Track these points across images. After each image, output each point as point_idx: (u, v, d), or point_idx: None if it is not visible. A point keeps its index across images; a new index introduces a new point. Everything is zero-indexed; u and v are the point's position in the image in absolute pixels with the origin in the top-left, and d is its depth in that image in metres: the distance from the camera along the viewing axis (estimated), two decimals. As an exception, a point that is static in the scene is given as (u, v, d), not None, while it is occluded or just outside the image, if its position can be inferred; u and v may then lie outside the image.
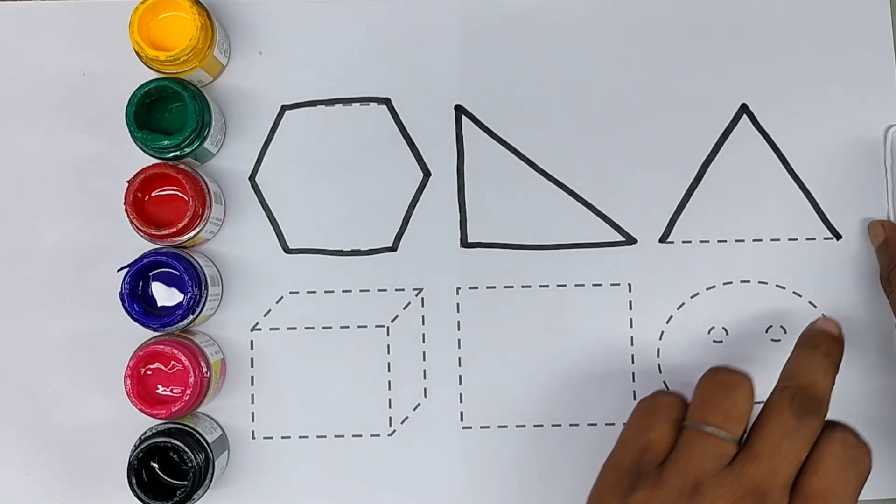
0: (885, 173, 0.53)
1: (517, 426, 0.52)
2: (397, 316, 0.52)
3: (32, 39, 0.53)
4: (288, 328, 0.52)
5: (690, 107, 0.53)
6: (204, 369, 0.48)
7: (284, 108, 0.53)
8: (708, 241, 0.53)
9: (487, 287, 0.53)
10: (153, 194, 0.49)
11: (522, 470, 0.52)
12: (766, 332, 0.52)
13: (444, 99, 0.53)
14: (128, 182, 0.48)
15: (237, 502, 0.51)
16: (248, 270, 0.52)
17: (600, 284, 0.53)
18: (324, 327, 0.52)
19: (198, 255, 0.51)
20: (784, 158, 0.53)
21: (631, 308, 0.52)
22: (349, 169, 0.53)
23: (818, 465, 0.41)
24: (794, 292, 0.52)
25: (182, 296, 0.49)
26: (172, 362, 0.48)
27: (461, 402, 0.52)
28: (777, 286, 0.52)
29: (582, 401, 0.52)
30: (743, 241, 0.53)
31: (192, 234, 0.49)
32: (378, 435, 0.52)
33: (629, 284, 0.53)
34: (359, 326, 0.52)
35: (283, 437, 0.52)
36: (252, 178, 0.53)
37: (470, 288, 0.52)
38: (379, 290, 0.52)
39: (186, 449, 0.47)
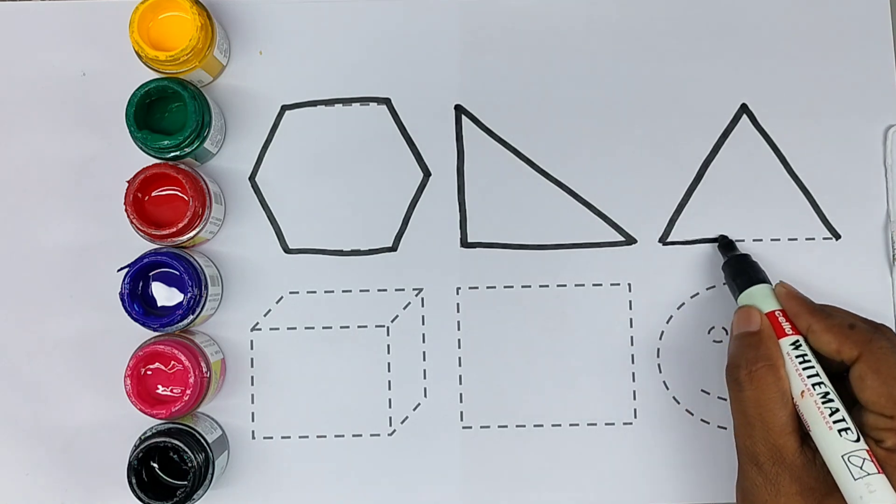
0: (885, 173, 0.53)
1: (517, 426, 0.52)
2: (397, 316, 0.52)
3: (32, 39, 0.53)
4: (288, 328, 0.52)
5: (690, 107, 0.53)
6: (204, 369, 0.48)
7: (284, 108, 0.53)
8: (708, 241, 0.53)
9: (487, 287, 0.52)
10: (153, 194, 0.49)
11: (522, 470, 0.52)
12: (766, 332, 0.52)
13: (444, 99, 0.53)
14: (128, 182, 0.48)
15: (237, 502, 0.51)
16: (248, 270, 0.52)
17: (600, 284, 0.53)
18: (324, 327, 0.52)
19: (198, 255, 0.51)
20: (784, 158, 0.53)
21: (631, 308, 0.52)
22: (349, 169, 0.53)
23: None
24: (794, 292, 0.52)
25: (182, 296, 0.49)
26: (172, 362, 0.48)
27: (461, 402, 0.52)
28: (777, 286, 0.52)
29: (582, 401, 0.52)
30: (743, 241, 0.53)
31: (192, 234, 0.49)
32: (378, 435, 0.52)
33: (629, 284, 0.53)
34: (359, 326, 0.52)
35: (283, 437, 0.52)
36: (252, 178, 0.53)
37: (470, 288, 0.52)
38: (379, 290, 0.52)
39: (186, 449, 0.47)
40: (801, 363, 0.45)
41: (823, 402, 0.43)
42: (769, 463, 0.43)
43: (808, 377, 0.44)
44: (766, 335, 0.46)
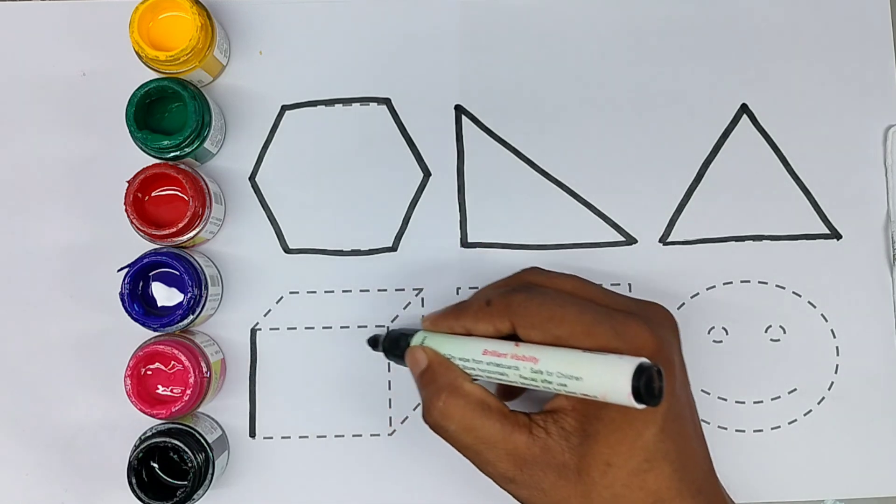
0: (885, 173, 0.53)
1: (517, 426, 0.52)
2: (397, 316, 0.52)
3: (32, 39, 0.53)
4: (288, 328, 0.52)
5: (690, 107, 0.53)
6: (204, 369, 0.48)
7: (284, 108, 0.53)
8: (708, 241, 0.53)
9: (487, 287, 0.52)
10: (153, 194, 0.49)
11: (522, 470, 0.52)
12: (766, 332, 0.52)
13: (444, 99, 0.53)
14: (128, 182, 0.48)
15: (237, 502, 0.51)
16: (248, 270, 0.52)
17: (600, 284, 0.52)
18: (324, 327, 0.52)
19: (198, 255, 0.51)
20: (784, 158, 0.53)
21: (631, 308, 0.52)
22: (349, 169, 0.53)
23: None
24: (793, 292, 0.52)
25: (182, 296, 0.49)
26: (172, 362, 0.48)
27: (461, 402, 0.52)
28: (777, 286, 0.52)
29: (582, 401, 0.52)
30: (743, 241, 0.53)
31: (192, 234, 0.49)
32: (378, 435, 0.52)
33: (629, 284, 0.53)
34: (359, 326, 0.52)
35: (283, 437, 0.52)
36: (252, 178, 0.53)
37: (470, 288, 0.52)
38: (379, 290, 0.52)
39: (186, 449, 0.47)
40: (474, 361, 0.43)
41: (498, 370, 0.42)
42: (517, 471, 0.42)
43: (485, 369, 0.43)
44: (436, 363, 0.44)
